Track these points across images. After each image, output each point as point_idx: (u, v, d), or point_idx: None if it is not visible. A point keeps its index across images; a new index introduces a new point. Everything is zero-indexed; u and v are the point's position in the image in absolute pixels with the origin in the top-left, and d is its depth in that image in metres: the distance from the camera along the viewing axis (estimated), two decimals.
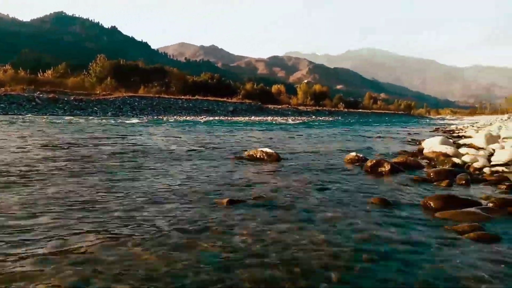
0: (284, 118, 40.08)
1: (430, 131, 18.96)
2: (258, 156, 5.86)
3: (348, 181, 4.17)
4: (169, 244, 2.09)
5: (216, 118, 33.44)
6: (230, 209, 2.83)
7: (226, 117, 35.34)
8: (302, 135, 13.15)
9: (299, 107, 67.03)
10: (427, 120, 60.41)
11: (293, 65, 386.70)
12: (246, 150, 6.41)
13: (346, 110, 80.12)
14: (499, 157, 5.73)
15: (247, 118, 35.98)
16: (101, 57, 54.74)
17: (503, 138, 10.36)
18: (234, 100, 55.86)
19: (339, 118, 51.47)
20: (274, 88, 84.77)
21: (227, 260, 1.90)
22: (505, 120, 35.36)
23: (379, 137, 12.99)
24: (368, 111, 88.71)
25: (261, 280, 1.69)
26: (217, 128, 16.12)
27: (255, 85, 77.98)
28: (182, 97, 47.29)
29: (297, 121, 30.80)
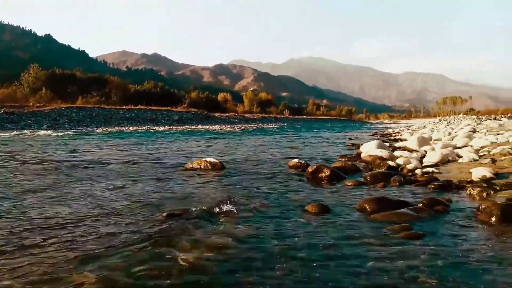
0: (231, 126, 40.06)
1: (369, 135, 19.91)
2: (202, 166, 5.79)
3: (290, 187, 4.24)
4: (100, 263, 1.98)
5: (161, 128, 32.62)
6: (169, 223, 2.74)
7: (171, 127, 34.60)
8: (248, 142, 13.23)
9: (246, 115, 67.46)
10: (367, 125, 63.46)
11: (238, 73, 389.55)
12: (190, 161, 6.30)
13: (291, 116, 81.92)
14: (430, 159, 6.13)
15: (193, 127, 35.52)
16: (35, 66, 51.26)
17: (434, 140, 11.15)
18: (179, 109, 54.88)
19: (285, 124, 52.47)
20: (220, 96, 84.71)
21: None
22: (437, 122, 38.17)
23: (323, 142, 13.42)
24: (312, 117, 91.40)
25: None
26: (161, 138, 15.73)
27: (200, 94, 77.37)
28: (124, 107, 45.54)
29: (244, 129, 30.97)
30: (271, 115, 78.14)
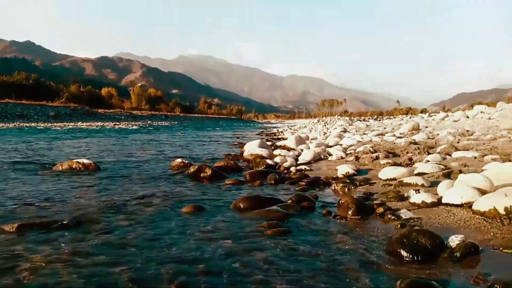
0: (117, 123, 37.70)
1: (256, 134, 20.72)
2: (73, 168, 5.29)
3: (169, 189, 4.12)
4: None
5: (33, 124, 29.10)
6: (20, 236, 2.41)
7: (45, 123, 31.08)
8: (133, 141, 12.59)
9: (134, 112, 64.38)
10: (256, 124, 66.04)
11: (125, 67, 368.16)
12: (61, 162, 5.69)
13: (182, 114, 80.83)
14: (304, 157, 6.61)
15: (72, 124, 32.50)
16: None
17: (311, 139, 12.07)
18: (56, 103, 49.71)
19: (175, 122, 51.50)
20: (105, 90, 79.16)
21: None
22: (316, 123, 41.56)
23: (211, 141, 13.49)
24: (204, 115, 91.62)
25: None
26: (31, 137, 14.00)
27: (81, 87, 71.23)
28: None
29: (131, 126, 29.45)
30: (161, 112, 76.04)
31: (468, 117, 15.04)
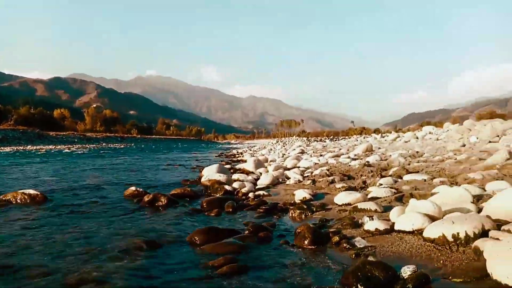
0: (69, 146, 36.12)
1: (215, 156, 20.57)
2: (18, 200, 4.94)
3: (121, 222, 3.93)
4: None
5: None
6: None
7: None
8: (85, 166, 12.05)
9: (87, 134, 62.10)
10: (216, 145, 65.69)
11: (79, 88, 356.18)
12: (4, 193, 5.30)
13: (139, 136, 79.00)
14: (263, 181, 6.59)
15: (21, 147, 30.70)
16: None
17: (270, 161, 12.14)
18: (3, 126, 47.02)
19: (132, 144, 50.13)
20: (57, 112, 76.08)
21: None
22: (274, 143, 42.03)
23: (169, 165, 13.19)
24: (162, 137, 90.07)
25: None
26: None
27: (32, 109, 67.92)
28: None
29: (85, 149, 28.29)
30: (116, 134, 73.93)
31: (417, 137, 15.83)
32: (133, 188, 5.61)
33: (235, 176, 6.95)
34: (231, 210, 4.36)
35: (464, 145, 9.16)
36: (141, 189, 5.55)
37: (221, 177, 6.30)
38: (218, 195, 5.38)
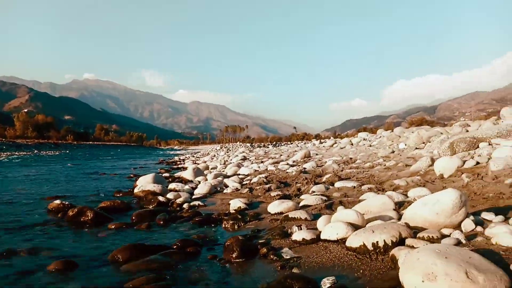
0: None
1: (156, 163, 19.96)
2: None
3: (40, 240, 3.62)
4: None
5: None
6: None
7: None
8: (13, 176, 11.08)
9: (17, 140, 57.59)
10: (158, 151, 63.89)
11: (9, 91, 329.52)
12: None
13: (75, 142, 74.72)
14: (200, 190, 6.46)
15: None
16: None
17: (211, 169, 12.02)
18: None
19: (67, 151, 47.17)
20: None
21: None
22: (218, 149, 41.86)
23: (104, 173, 12.56)
24: (100, 143, 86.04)
25: None
26: None
27: None
28: None
29: (14, 157, 26.12)
30: (50, 140, 69.39)
31: (352, 144, 16.57)
32: (57, 201, 5.22)
33: (172, 186, 6.76)
34: (162, 223, 4.20)
35: (393, 152, 9.72)
36: (67, 202, 5.18)
37: (156, 188, 6.08)
38: (150, 207, 5.18)
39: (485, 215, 3.17)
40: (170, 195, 5.77)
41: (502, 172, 4.95)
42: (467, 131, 9.90)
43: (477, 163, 5.74)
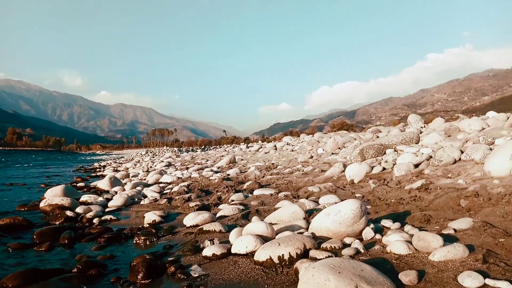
0: None
1: (73, 171, 18.62)
2: None
3: None
4: None
5: None
6: None
7: None
8: None
9: None
10: (78, 157, 59.80)
11: None
12: None
13: None
14: (115, 202, 6.10)
15: None
16: None
17: (132, 176, 11.51)
18: None
19: None
20: None
21: None
22: (143, 154, 40.37)
23: (11, 183, 11.42)
24: (12, 148, 78.51)
25: None
26: None
27: None
28: None
29: None
30: None
31: (276, 148, 17.01)
32: None
33: (84, 198, 6.32)
34: (67, 242, 3.87)
35: (312, 157, 10.14)
36: None
37: (64, 201, 5.62)
38: (57, 223, 4.78)
39: (384, 222, 3.40)
40: (79, 209, 5.36)
41: (404, 178, 5.40)
42: (378, 137, 10.68)
43: (384, 169, 6.20)
